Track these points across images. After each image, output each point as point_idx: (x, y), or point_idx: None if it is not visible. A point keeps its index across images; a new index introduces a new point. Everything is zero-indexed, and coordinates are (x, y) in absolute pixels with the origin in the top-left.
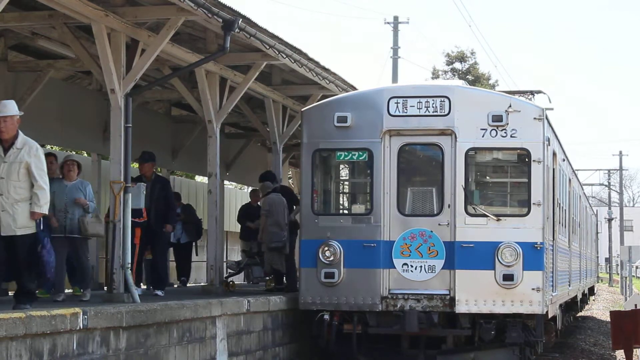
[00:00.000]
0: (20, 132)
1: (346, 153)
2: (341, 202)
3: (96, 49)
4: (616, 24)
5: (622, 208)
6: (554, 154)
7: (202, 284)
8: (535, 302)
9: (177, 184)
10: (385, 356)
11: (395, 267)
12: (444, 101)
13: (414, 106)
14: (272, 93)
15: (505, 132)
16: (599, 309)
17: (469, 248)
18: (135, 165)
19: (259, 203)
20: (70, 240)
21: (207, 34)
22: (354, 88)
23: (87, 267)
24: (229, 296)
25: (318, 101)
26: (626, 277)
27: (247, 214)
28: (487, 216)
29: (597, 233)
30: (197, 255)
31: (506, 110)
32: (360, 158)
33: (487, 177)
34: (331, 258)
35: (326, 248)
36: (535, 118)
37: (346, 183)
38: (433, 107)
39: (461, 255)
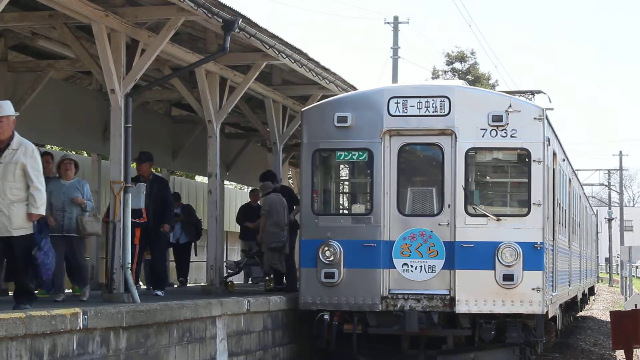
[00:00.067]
0: (16, 132)
1: (346, 153)
2: (341, 202)
3: (96, 49)
4: (616, 24)
5: (622, 208)
6: (554, 154)
7: (202, 284)
8: (535, 302)
9: (177, 184)
10: (385, 356)
11: (395, 267)
12: (444, 101)
13: (414, 106)
14: (272, 93)
15: (505, 132)
16: (599, 309)
17: (469, 248)
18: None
19: (259, 202)
20: (68, 239)
21: (207, 34)
22: (354, 88)
23: (84, 265)
24: (229, 296)
25: (318, 101)
26: (626, 277)
27: (246, 213)
28: (487, 216)
29: (597, 233)
30: (196, 255)
31: (506, 110)
32: (360, 158)
33: (487, 177)
34: (331, 258)
35: (326, 248)
36: (535, 118)
37: (346, 183)
38: (433, 107)
39: (461, 255)
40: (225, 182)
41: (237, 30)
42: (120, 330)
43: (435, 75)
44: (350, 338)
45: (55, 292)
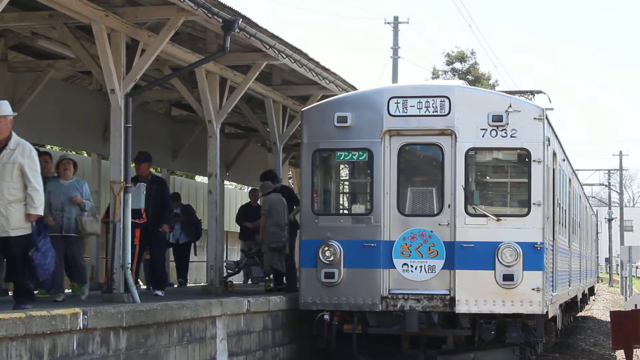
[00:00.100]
0: (13, 133)
1: (346, 153)
2: (341, 202)
3: (96, 49)
4: (616, 24)
5: (622, 208)
6: (554, 154)
7: (202, 284)
8: (535, 302)
9: (177, 184)
10: (385, 356)
11: (395, 267)
12: (444, 101)
13: (414, 106)
14: (272, 93)
15: (505, 132)
16: (599, 309)
17: (469, 248)
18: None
19: (258, 202)
20: (67, 239)
21: (207, 34)
22: (354, 88)
23: (82, 264)
24: (229, 296)
25: (318, 101)
26: (626, 277)
27: (246, 214)
28: (487, 216)
29: (597, 233)
30: (195, 255)
31: (506, 110)
32: (360, 158)
33: (487, 177)
34: (331, 258)
35: (326, 248)
36: (535, 118)
37: (346, 183)
38: (433, 107)
39: (461, 256)
40: (225, 182)
41: (237, 30)
42: (120, 330)
43: (435, 75)
44: (350, 338)
45: (55, 292)
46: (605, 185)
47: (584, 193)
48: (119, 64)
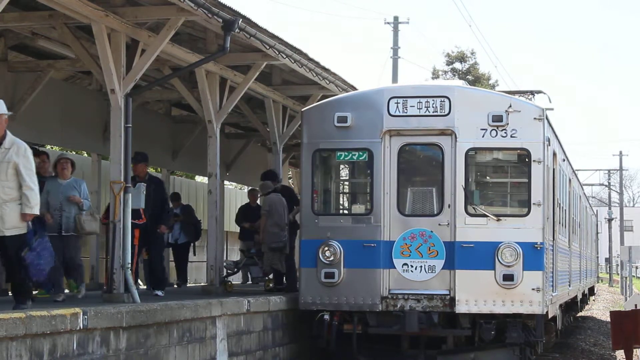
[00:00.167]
0: (8, 132)
1: (346, 153)
2: (341, 202)
3: (96, 49)
4: (616, 24)
5: (622, 208)
6: (554, 154)
7: (202, 284)
8: (535, 302)
9: (177, 184)
10: (385, 356)
11: (395, 267)
12: (444, 101)
13: (414, 106)
14: (272, 93)
15: (505, 132)
16: (599, 309)
17: (469, 248)
18: None
19: (258, 202)
20: (65, 238)
21: (207, 34)
22: (354, 88)
23: (79, 263)
24: (229, 296)
25: (318, 101)
26: (626, 277)
27: (246, 214)
28: (487, 216)
29: (597, 233)
30: (195, 255)
31: (506, 110)
32: (361, 158)
33: (487, 177)
34: (331, 258)
35: (326, 248)
36: (535, 118)
37: (346, 183)
38: (433, 107)
39: (461, 256)
40: (225, 182)
41: (237, 30)
42: (120, 330)
43: (435, 75)
44: (350, 338)
45: (55, 292)
46: (605, 185)
47: (584, 193)
48: (119, 64)
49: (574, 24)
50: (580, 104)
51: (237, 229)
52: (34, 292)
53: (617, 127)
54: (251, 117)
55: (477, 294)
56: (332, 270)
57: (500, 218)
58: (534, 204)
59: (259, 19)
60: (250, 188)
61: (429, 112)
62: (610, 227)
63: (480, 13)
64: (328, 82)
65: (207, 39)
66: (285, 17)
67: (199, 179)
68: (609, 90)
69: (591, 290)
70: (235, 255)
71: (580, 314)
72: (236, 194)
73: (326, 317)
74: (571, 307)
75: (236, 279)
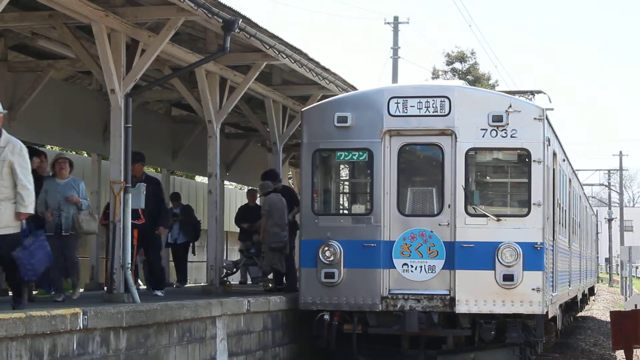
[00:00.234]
0: (3, 130)
1: (346, 153)
2: (341, 202)
3: (96, 49)
4: (616, 24)
5: (622, 208)
6: (554, 154)
7: (202, 284)
8: (536, 303)
9: (177, 184)
10: (385, 356)
11: (395, 267)
12: (444, 101)
13: (414, 106)
14: (272, 93)
15: (505, 132)
16: (599, 309)
17: (469, 248)
18: None
19: (257, 202)
20: (64, 238)
21: (207, 34)
22: (354, 88)
23: (76, 262)
24: (229, 296)
25: (318, 101)
26: (626, 277)
27: (245, 214)
28: (487, 216)
29: (597, 233)
30: (194, 255)
31: (506, 111)
32: (361, 158)
33: (487, 177)
34: (331, 258)
35: (326, 248)
36: (535, 118)
37: (346, 183)
38: (433, 107)
39: (461, 256)
40: (225, 182)
41: (237, 30)
42: (120, 330)
43: (435, 75)
44: (350, 338)
45: (55, 293)
46: (605, 186)
47: (584, 193)
48: (119, 64)
49: (574, 24)
50: (580, 104)
51: (237, 229)
52: (34, 292)
53: (617, 127)
54: (251, 117)
55: (477, 294)
56: (332, 270)
57: (500, 218)
58: (534, 204)
59: (259, 19)
60: (249, 188)
61: (429, 112)
62: (610, 227)
63: (480, 13)
64: (328, 82)
65: (207, 39)
66: (285, 17)
67: (199, 179)
68: (609, 90)
69: (591, 290)
70: (235, 256)
71: (580, 314)
72: (236, 194)
73: (326, 317)
74: (571, 307)
75: (234, 280)
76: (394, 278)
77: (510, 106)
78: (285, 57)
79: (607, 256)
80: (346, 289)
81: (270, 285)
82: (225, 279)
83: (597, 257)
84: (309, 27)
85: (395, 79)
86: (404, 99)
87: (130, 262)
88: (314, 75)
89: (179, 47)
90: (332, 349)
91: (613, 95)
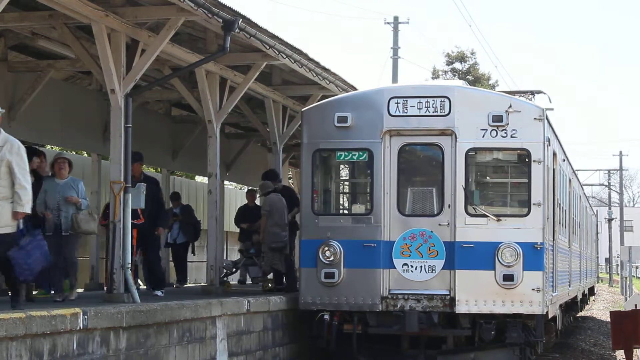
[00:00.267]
0: (1, 129)
1: (346, 153)
2: (341, 202)
3: (96, 49)
4: (616, 24)
5: (622, 208)
6: (554, 154)
7: (202, 284)
8: (536, 303)
9: (177, 184)
10: (385, 356)
11: (395, 267)
12: (444, 101)
13: (414, 106)
14: (272, 93)
15: (505, 133)
16: (599, 309)
17: (469, 248)
18: None
19: (256, 202)
20: (63, 238)
21: (207, 34)
22: (354, 88)
23: (74, 262)
24: (229, 296)
25: (318, 101)
26: (626, 277)
27: (244, 215)
28: (487, 216)
29: (597, 233)
30: (194, 255)
31: (506, 111)
32: (361, 158)
33: (487, 177)
34: (331, 258)
35: (326, 248)
36: (535, 118)
37: (346, 183)
38: (433, 107)
39: (461, 256)
40: (225, 182)
41: (237, 30)
42: (120, 330)
43: (435, 75)
44: (350, 338)
45: (56, 293)
46: (605, 186)
47: (584, 193)
48: (119, 64)
49: (574, 24)
50: (580, 104)
51: (237, 229)
52: (34, 293)
53: (617, 127)
54: (251, 117)
55: (477, 294)
56: (332, 270)
57: (500, 218)
58: (534, 204)
59: (259, 19)
60: (249, 188)
61: (429, 112)
62: (610, 227)
63: (480, 13)
64: (328, 82)
65: (207, 39)
66: (285, 17)
67: (199, 179)
68: (609, 90)
69: (591, 291)
70: (235, 256)
71: (580, 314)
72: (236, 194)
73: (326, 317)
74: (571, 307)
75: (233, 279)
76: (394, 278)
77: (510, 106)
78: (285, 57)
79: (607, 256)
80: (346, 289)
81: (269, 285)
82: (225, 279)
83: (597, 257)
84: (309, 27)
85: (395, 79)
86: (404, 99)
87: (130, 262)
88: (314, 75)
89: (179, 47)
90: (332, 349)
91: (613, 95)
